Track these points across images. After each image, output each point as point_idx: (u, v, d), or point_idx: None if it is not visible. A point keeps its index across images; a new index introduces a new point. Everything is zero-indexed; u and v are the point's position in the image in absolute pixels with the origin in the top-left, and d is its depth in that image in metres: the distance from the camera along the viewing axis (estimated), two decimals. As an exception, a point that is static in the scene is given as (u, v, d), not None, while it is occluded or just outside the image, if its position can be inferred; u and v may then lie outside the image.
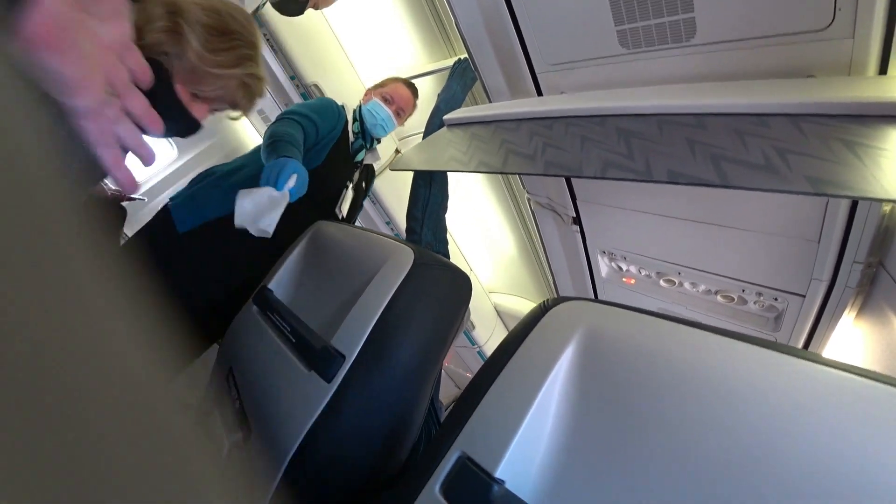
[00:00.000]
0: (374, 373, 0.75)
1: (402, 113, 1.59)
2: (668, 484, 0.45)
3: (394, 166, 1.17)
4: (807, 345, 1.30)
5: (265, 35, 1.96)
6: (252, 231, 0.99)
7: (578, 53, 1.07)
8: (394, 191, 2.34)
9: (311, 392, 0.77)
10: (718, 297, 1.40)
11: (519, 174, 1.50)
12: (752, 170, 0.64)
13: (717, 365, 0.48)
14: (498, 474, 0.52)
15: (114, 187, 1.51)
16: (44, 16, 0.32)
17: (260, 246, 1.11)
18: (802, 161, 0.63)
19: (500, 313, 3.01)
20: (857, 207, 0.97)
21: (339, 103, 1.53)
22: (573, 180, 1.35)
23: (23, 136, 0.15)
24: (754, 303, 1.36)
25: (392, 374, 0.75)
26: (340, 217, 1.61)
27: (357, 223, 2.52)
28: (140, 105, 0.44)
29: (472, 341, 2.83)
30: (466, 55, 1.39)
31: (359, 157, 1.57)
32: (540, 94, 1.21)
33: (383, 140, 1.63)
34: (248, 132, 2.59)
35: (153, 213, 1.29)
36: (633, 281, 1.52)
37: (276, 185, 1.01)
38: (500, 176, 2.42)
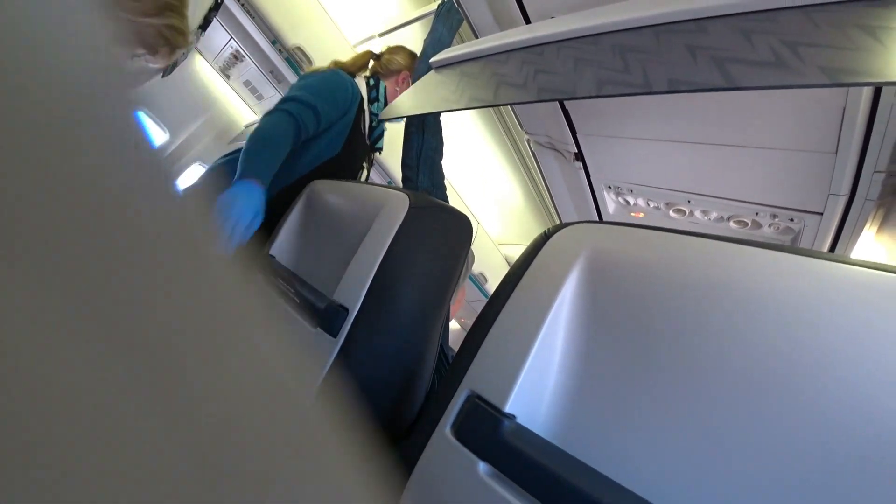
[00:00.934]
0: (378, 322, 0.74)
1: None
2: (689, 406, 0.43)
3: (383, 115, 1.13)
4: (826, 264, 1.27)
5: (240, 1, 1.88)
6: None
7: (566, -30, 0.99)
8: (390, 145, 2.28)
9: (319, 349, 0.77)
10: (731, 224, 1.35)
11: (511, 104, 1.43)
12: (760, 67, 0.59)
13: (733, 272, 0.44)
14: (508, 409, 0.51)
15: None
16: None
17: None
18: (817, 52, 0.58)
19: (510, 264, 3.00)
20: (878, 108, 0.91)
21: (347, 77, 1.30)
22: (572, 113, 1.29)
23: None
24: (769, 226, 1.31)
25: (397, 322, 0.74)
26: None
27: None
28: None
29: (486, 294, 2.83)
30: (450, -8, 1.31)
31: (379, 145, 1.43)
32: (528, 22, 1.13)
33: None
34: (238, 109, 2.53)
35: None
36: (641, 215, 1.47)
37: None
38: (498, 123, 2.34)
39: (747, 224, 1.33)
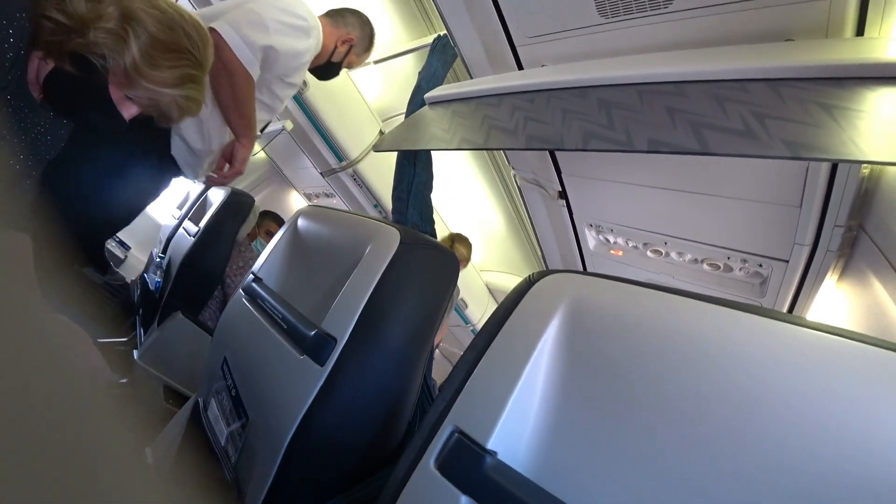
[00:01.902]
0: (365, 354, 0.76)
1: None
2: (657, 449, 0.47)
3: (377, 147, 1.16)
4: (791, 308, 1.33)
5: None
6: None
7: (557, 24, 1.05)
8: (379, 173, 2.31)
9: (305, 376, 0.77)
10: (705, 266, 1.42)
11: (502, 149, 1.49)
12: (731, 136, 0.64)
13: (702, 331, 0.48)
14: (490, 446, 0.53)
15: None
16: None
17: None
18: (781, 125, 0.64)
19: (491, 291, 3.03)
20: (837, 171, 0.98)
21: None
22: (557, 154, 1.35)
23: None
24: (740, 269, 1.38)
25: (384, 355, 0.76)
26: None
27: (345, 207, 2.51)
28: None
29: (466, 320, 2.86)
30: (446, 31, 1.37)
31: None
32: (521, 67, 1.19)
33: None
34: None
35: None
36: (620, 252, 1.53)
37: None
38: (486, 154, 2.41)
39: (719, 267, 1.40)
